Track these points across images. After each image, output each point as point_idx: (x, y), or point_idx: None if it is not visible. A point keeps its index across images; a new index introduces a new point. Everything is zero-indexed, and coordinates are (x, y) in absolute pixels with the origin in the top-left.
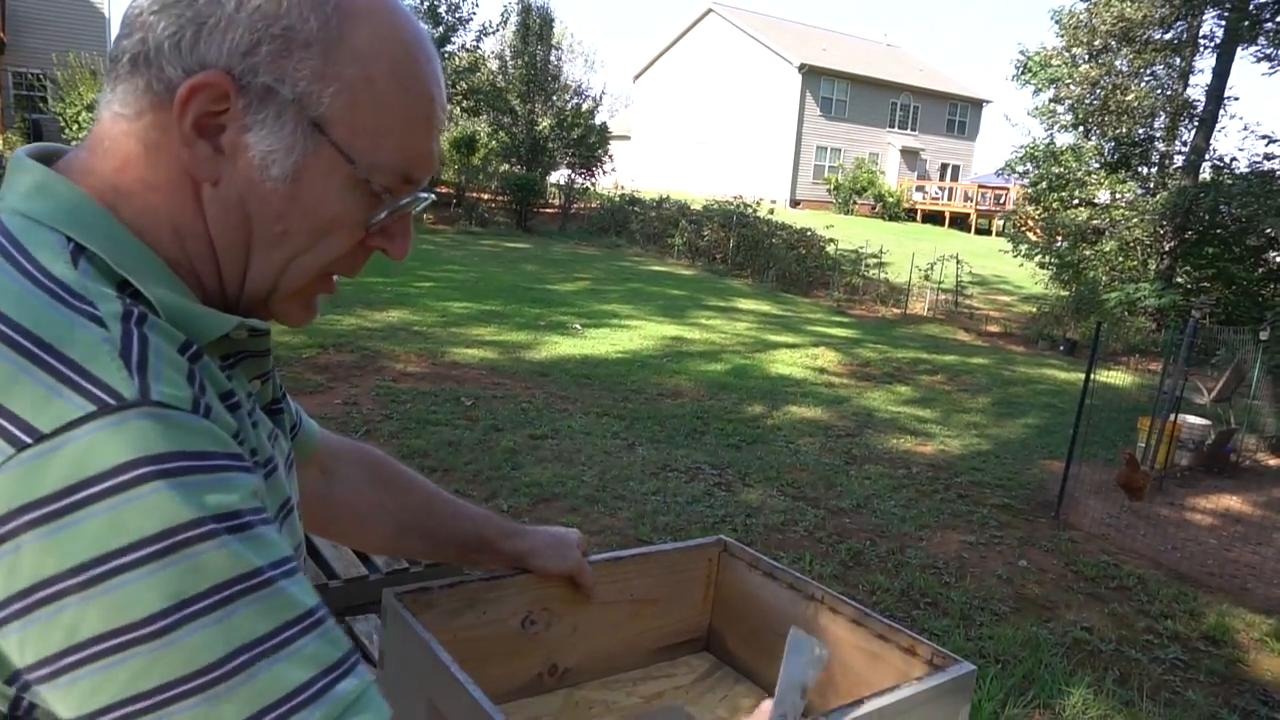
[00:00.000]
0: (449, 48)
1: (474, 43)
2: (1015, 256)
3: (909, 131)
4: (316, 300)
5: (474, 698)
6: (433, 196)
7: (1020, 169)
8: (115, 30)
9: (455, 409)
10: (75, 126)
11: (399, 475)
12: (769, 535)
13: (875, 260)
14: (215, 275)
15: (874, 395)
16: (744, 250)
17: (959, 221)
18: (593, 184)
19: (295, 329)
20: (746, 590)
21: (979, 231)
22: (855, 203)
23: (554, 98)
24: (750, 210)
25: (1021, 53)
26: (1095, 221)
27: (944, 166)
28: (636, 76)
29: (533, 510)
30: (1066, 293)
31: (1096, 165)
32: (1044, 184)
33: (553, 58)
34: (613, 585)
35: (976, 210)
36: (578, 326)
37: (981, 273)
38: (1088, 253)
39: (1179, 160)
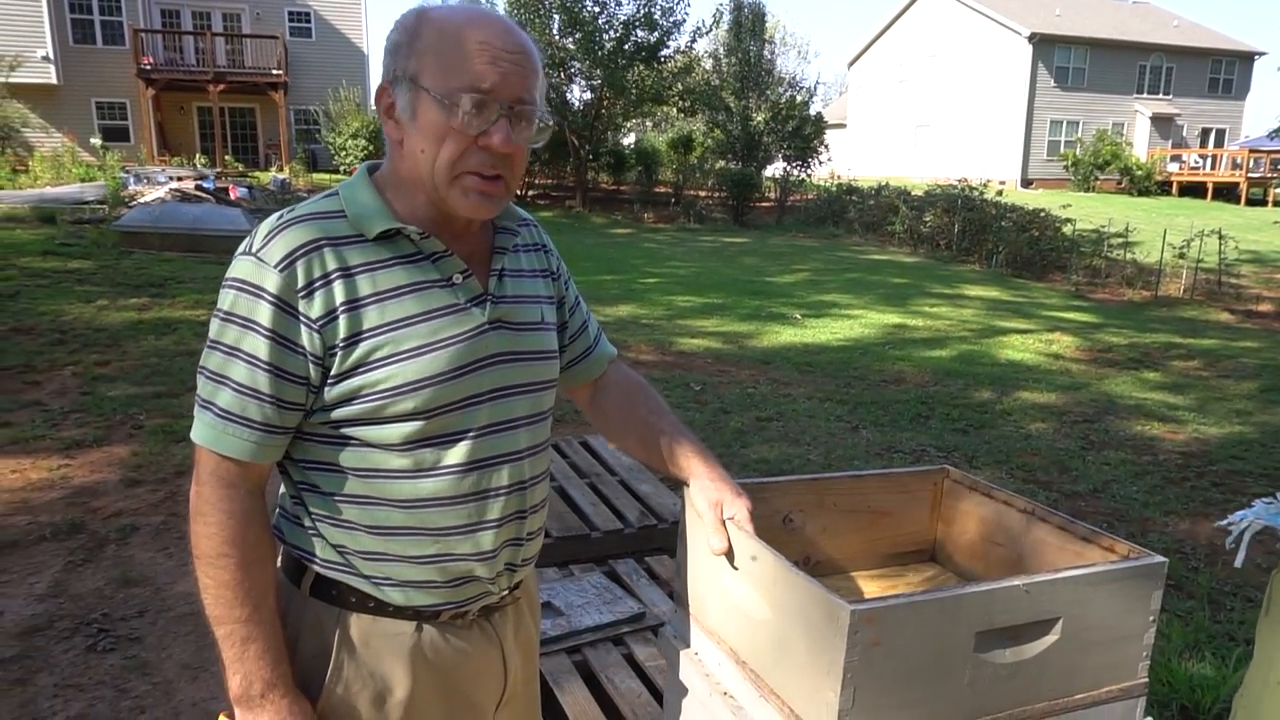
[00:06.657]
0: (665, 52)
1: (688, 45)
2: None
3: (1161, 96)
4: (475, 194)
5: (774, 558)
6: (523, 109)
7: None
8: (375, 67)
9: (686, 393)
10: (344, 153)
11: (642, 403)
12: None
13: (1120, 239)
14: (411, 199)
15: (1117, 381)
16: (970, 235)
17: (1225, 192)
18: (809, 175)
19: (475, 217)
20: (967, 508)
21: (1251, 202)
22: (1097, 178)
23: (768, 91)
24: (976, 192)
25: None
26: None
27: (1205, 132)
28: (851, 63)
29: None
30: None
31: None
32: None
33: (766, 52)
34: (855, 497)
35: (1248, 178)
36: (798, 316)
37: (1255, 248)
38: None
39: None
